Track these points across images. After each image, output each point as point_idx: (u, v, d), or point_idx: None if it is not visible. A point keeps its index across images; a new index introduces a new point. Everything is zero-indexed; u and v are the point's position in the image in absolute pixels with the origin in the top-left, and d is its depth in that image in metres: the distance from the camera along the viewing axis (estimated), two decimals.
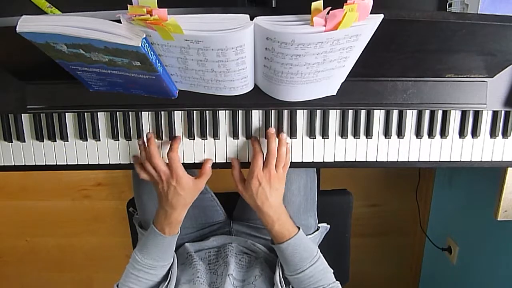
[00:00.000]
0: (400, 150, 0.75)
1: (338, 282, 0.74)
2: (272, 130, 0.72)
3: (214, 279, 0.77)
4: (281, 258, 0.74)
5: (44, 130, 0.75)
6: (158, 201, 0.74)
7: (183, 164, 0.75)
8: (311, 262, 0.71)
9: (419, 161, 0.76)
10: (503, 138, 0.75)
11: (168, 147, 0.73)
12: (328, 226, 0.97)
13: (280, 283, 0.73)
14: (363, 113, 0.74)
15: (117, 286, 0.75)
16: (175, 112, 0.74)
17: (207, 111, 0.74)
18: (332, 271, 0.76)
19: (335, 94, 0.69)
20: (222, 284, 0.72)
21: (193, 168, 0.77)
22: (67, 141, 0.76)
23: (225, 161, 0.76)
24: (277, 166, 0.71)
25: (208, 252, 0.86)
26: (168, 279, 0.75)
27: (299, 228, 0.74)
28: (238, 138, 0.75)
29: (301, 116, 0.74)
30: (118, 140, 0.76)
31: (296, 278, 0.72)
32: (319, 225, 0.94)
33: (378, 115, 0.74)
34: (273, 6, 0.64)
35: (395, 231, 1.73)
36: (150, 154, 0.70)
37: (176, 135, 0.74)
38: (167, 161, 0.71)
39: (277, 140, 0.72)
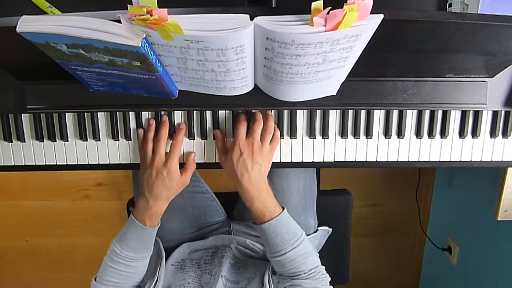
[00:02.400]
0: (400, 150, 0.75)
1: (323, 266, 0.72)
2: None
3: (208, 279, 0.76)
4: (263, 239, 0.72)
5: (44, 130, 0.75)
6: (140, 191, 0.72)
7: (183, 164, 0.75)
8: (293, 245, 0.69)
9: (419, 161, 0.76)
10: (503, 138, 0.75)
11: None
12: (330, 229, 0.96)
13: (268, 282, 0.72)
14: (363, 113, 0.74)
15: (95, 279, 0.73)
16: (175, 112, 0.74)
17: (207, 111, 0.74)
18: (318, 254, 0.74)
19: (335, 94, 0.69)
20: (214, 285, 0.71)
21: None
22: (67, 141, 0.76)
23: None
24: (263, 139, 0.68)
25: (206, 252, 0.85)
26: (156, 279, 0.74)
27: (283, 208, 0.72)
28: None
29: (301, 116, 0.74)
30: (118, 140, 0.76)
31: (277, 260, 0.70)
32: (320, 228, 0.94)
33: (378, 115, 0.74)
34: (273, 6, 0.64)
35: (395, 231, 1.74)
36: (160, 135, 0.70)
37: (175, 139, 0.73)
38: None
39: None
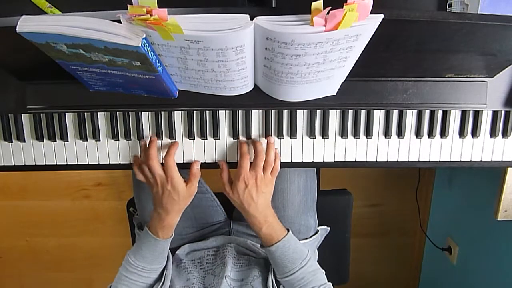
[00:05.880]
0: (400, 150, 0.75)
1: (330, 283, 0.74)
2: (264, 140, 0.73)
3: (211, 280, 0.77)
4: (271, 260, 0.75)
5: (44, 130, 0.75)
6: (153, 205, 0.74)
7: (183, 164, 0.75)
8: (301, 264, 0.71)
9: (419, 161, 0.76)
10: (503, 138, 0.75)
11: (166, 151, 0.73)
12: (328, 228, 0.97)
13: (272, 287, 0.74)
14: (363, 113, 0.74)
15: (110, 287, 0.75)
16: (175, 112, 0.74)
17: (207, 111, 0.73)
18: (324, 272, 0.76)
19: (335, 94, 0.69)
20: (219, 286, 0.72)
21: None
22: (67, 141, 0.76)
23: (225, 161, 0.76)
24: (265, 170, 0.71)
25: (207, 252, 0.86)
26: (163, 280, 0.75)
27: (288, 230, 0.75)
28: (238, 138, 0.75)
29: (301, 116, 0.74)
30: (118, 140, 0.76)
31: (287, 280, 0.72)
32: (319, 227, 0.94)
33: (378, 115, 0.74)
34: (273, 6, 0.64)
35: (395, 231, 1.74)
36: (149, 156, 0.70)
37: (176, 139, 0.74)
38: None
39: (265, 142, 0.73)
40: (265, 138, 0.74)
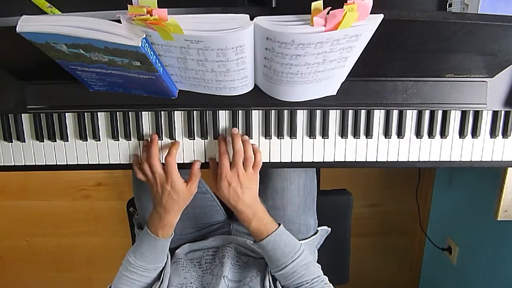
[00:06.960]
0: (400, 150, 0.75)
1: (325, 276, 0.74)
2: (236, 130, 0.73)
3: (210, 280, 0.77)
4: (264, 255, 0.75)
5: (44, 130, 0.75)
6: (153, 204, 0.74)
7: (183, 164, 0.75)
8: (292, 258, 0.72)
9: (419, 161, 0.76)
10: (503, 138, 0.75)
11: (167, 150, 0.73)
12: (329, 229, 0.97)
13: (269, 286, 0.74)
14: (363, 113, 0.74)
15: (110, 287, 0.75)
16: (175, 112, 0.74)
17: (207, 111, 0.74)
18: (319, 265, 0.76)
19: (335, 94, 0.69)
20: (217, 285, 0.72)
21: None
22: (67, 141, 0.76)
23: None
24: (246, 166, 0.71)
25: (207, 251, 0.86)
26: (161, 280, 0.75)
27: (279, 224, 0.75)
28: None
29: (301, 116, 0.74)
30: (118, 140, 0.76)
31: (280, 274, 0.73)
32: (319, 228, 0.94)
33: (378, 115, 0.74)
34: (273, 6, 0.64)
35: (395, 231, 1.74)
36: (150, 154, 0.71)
37: (176, 139, 0.74)
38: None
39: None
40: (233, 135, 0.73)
